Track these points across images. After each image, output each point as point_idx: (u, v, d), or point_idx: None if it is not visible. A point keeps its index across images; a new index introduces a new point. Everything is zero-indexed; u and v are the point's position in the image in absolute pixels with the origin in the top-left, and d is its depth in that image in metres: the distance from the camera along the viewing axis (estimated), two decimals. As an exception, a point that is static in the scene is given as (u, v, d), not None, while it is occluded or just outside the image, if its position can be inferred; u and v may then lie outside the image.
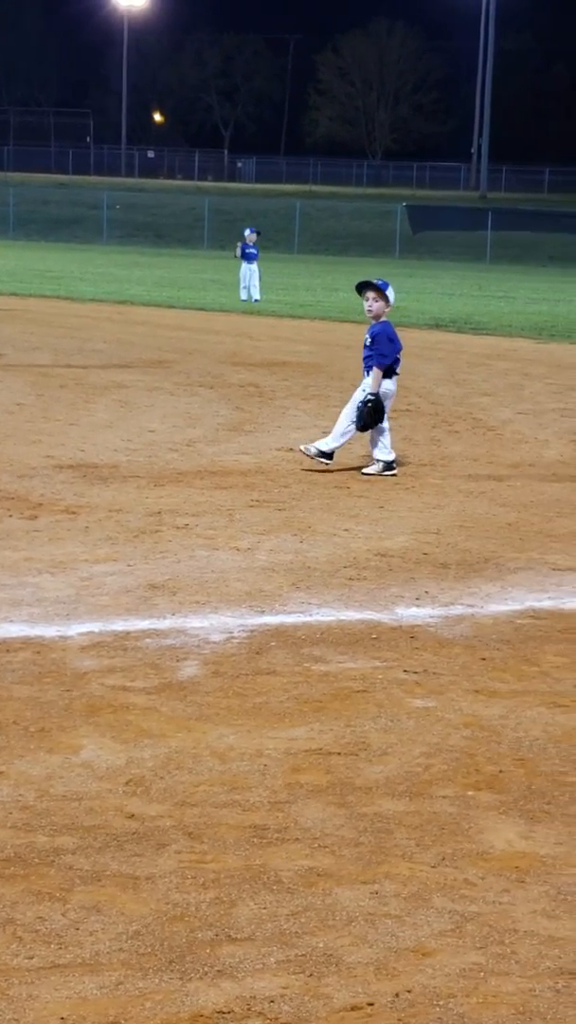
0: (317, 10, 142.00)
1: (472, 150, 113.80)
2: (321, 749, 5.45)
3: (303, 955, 3.89)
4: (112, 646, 6.68)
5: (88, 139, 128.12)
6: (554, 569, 8.52)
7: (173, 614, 7.26)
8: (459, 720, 5.85)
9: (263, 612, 7.36)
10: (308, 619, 7.27)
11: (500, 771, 5.29)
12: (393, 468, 11.58)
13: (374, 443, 11.71)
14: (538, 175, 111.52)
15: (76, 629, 6.92)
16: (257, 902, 4.20)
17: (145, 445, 12.66)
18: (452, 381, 18.73)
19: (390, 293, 11.89)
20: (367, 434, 11.72)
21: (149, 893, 4.23)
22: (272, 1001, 3.65)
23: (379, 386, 11.66)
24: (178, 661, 6.50)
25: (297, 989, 3.72)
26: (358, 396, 11.71)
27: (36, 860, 4.42)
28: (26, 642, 6.69)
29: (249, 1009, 3.62)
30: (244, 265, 34.65)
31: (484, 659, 6.71)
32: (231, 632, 6.98)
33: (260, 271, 34.61)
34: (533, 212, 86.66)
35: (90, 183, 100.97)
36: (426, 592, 7.88)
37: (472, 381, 18.82)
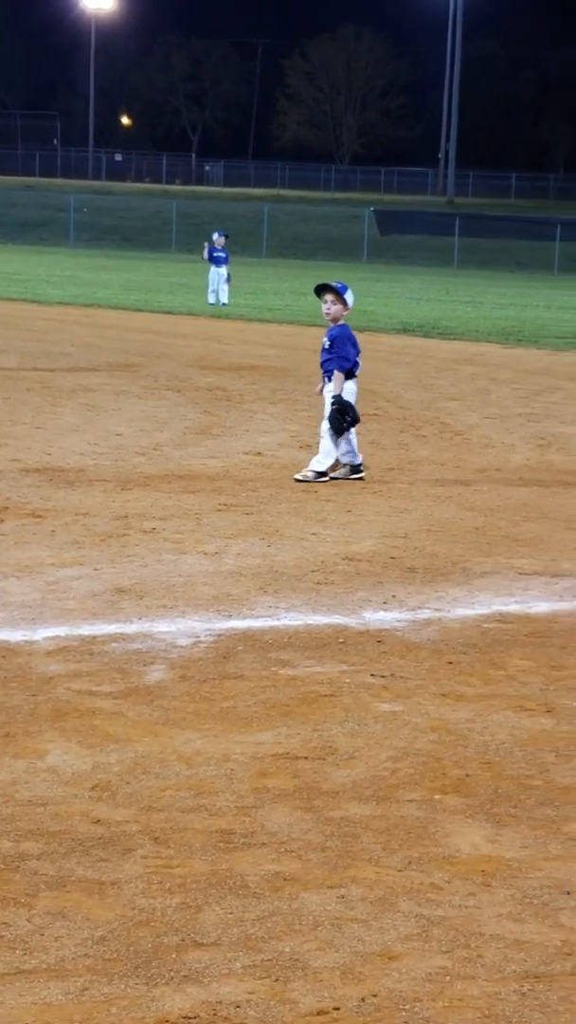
0: (285, 15, 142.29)
1: (439, 155, 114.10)
2: (288, 753, 5.44)
3: (269, 960, 3.89)
4: (78, 650, 6.66)
5: (55, 142, 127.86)
6: (520, 573, 8.54)
7: (140, 618, 7.24)
8: (426, 724, 5.85)
9: (230, 616, 7.36)
10: (275, 623, 7.26)
11: (466, 775, 5.30)
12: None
13: (330, 446, 11.57)
14: (505, 180, 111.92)
15: (42, 633, 6.90)
16: (223, 907, 4.19)
17: (112, 449, 12.63)
18: (419, 386, 18.76)
19: (349, 296, 11.86)
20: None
21: (115, 898, 4.22)
22: (238, 1006, 3.65)
23: (342, 388, 11.63)
24: (145, 665, 6.48)
25: (263, 994, 3.71)
26: (327, 406, 11.64)
27: (1, 866, 4.40)
28: (-8, 646, 6.66)
29: (215, 1014, 3.61)
30: (212, 269, 34.63)
31: (451, 663, 6.72)
32: (198, 636, 6.97)
33: (228, 275, 34.59)
34: (500, 217, 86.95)
35: (57, 186, 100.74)
36: (393, 596, 7.88)
37: (439, 386, 18.86)
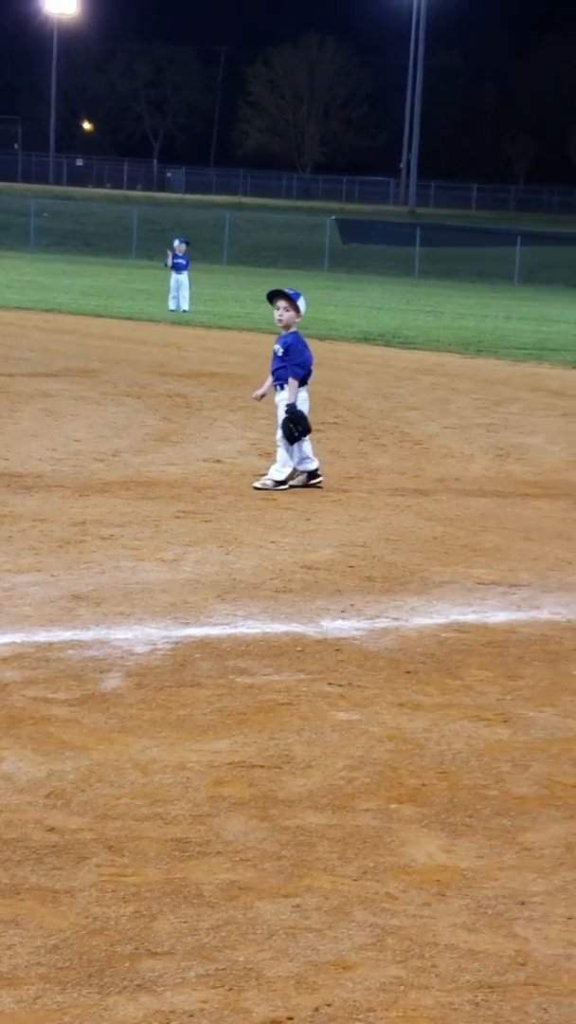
0: (248, 23, 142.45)
1: (401, 165, 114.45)
2: (244, 762, 5.43)
3: (223, 969, 3.88)
4: (34, 657, 6.63)
5: (16, 146, 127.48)
6: (478, 583, 8.56)
7: (97, 625, 7.21)
8: (383, 733, 5.85)
9: (188, 624, 7.34)
10: (233, 631, 7.25)
11: (423, 784, 5.30)
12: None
13: (287, 455, 11.57)
14: (466, 191, 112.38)
15: (-2, 639, 6.86)
16: (178, 916, 4.17)
17: (71, 455, 12.59)
18: (379, 395, 18.80)
19: (301, 303, 11.81)
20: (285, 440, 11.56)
21: (68, 907, 4.20)
22: (191, 1015, 3.63)
23: (296, 396, 11.61)
24: (101, 673, 6.46)
25: (217, 1003, 3.70)
26: (281, 415, 11.62)
27: (-46, 873, 4.37)
28: (-53, 652, 6.62)
29: (168, 1023, 3.60)
30: (173, 275, 34.60)
31: (408, 672, 6.73)
32: (155, 644, 6.95)
33: (189, 281, 34.57)
34: (461, 228, 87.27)
35: (17, 190, 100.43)
36: (351, 605, 7.89)
37: (399, 395, 18.90)
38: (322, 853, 4.65)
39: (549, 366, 24.62)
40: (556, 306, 47.68)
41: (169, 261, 35.04)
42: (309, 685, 6.43)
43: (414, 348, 26.86)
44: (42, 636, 6.97)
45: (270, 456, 12.06)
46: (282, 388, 11.69)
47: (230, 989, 3.77)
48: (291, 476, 11.53)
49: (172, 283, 34.64)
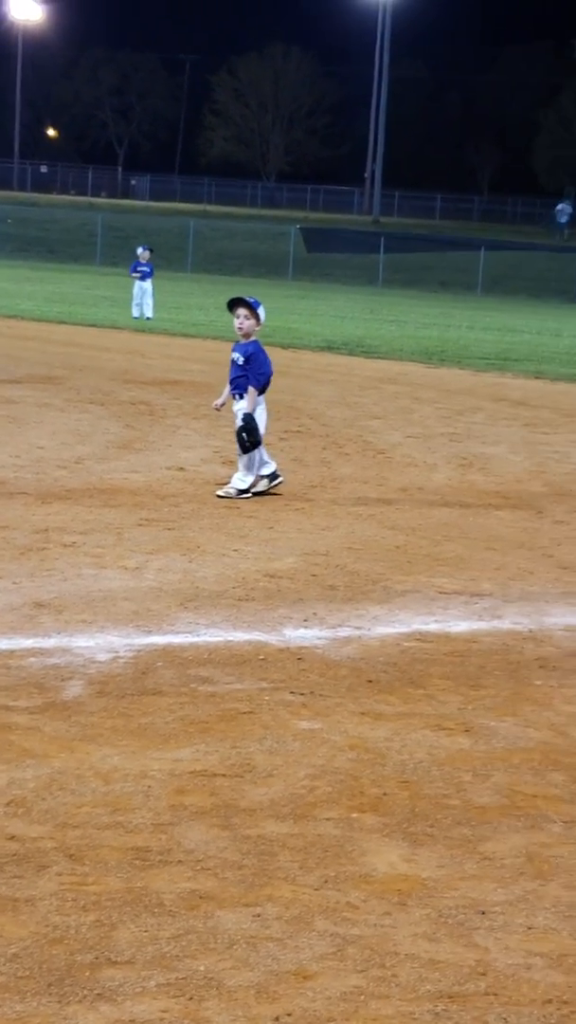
0: (214, 31, 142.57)
1: (365, 175, 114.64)
2: (206, 771, 5.43)
3: (183, 978, 3.87)
4: (-4, 664, 6.60)
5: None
6: (441, 592, 8.58)
7: (59, 633, 7.19)
8: (344, 742, 5.86)
9: (150, 632, 7.33)
10: (195, 639, 7.25)
11: (384, 794, 5.31)
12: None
13: (250, 463, 11.58)
14: (430, 201, 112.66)
15: (-41, 647, 6.83)
16: (138, 925, 4.17)
17: (33, 462, 12.55)
18: (343, 404, 18.82)
19: (261, 312, 11.79)
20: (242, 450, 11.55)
21: (28, 915, 4.18)
22: (152, 1025, 3.62)
23: (255, 406, 11.61)
24: (63, 681, 6.44)
25: (177, 1013, 3.69)
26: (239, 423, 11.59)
27: None
28: None
29: (128, 1034, 3.59)
30: (137, 283, 34.56)
31: (370, 681, 6.74)
32: (117, 652, 6.94)
33: (153, 289, 34.54)
34: (425, 238, 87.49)
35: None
36: (314, 614, 7.89)
37: (363, 404, 18.92)
38: (283, 862, 4.64)
39: (512, 376, 24.71)
40: (519, 316, 47.86)
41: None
42: (271, 694, 6.43)
43: (378, 357, 26.90)
44: (3, 644, 6.94)
45: (233, 464, 12.05)
46: (241, 397, 11.68)
47: (190, 998, 3.77)
48: (254, 484, 11.53)
49: (136, 290, 34.59)
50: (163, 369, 22.17)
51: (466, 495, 12.27)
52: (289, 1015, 3.71)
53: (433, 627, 7.79)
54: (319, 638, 7.42)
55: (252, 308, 11.67)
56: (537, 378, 24.68)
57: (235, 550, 9.45)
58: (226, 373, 12.02)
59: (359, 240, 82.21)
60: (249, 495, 11.39)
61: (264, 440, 11.66)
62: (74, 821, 4.87)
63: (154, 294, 34.63)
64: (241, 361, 11.67)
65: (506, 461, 14.49)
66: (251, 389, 11.60)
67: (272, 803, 5.14)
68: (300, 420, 16.47)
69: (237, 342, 11.87)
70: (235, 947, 4.06)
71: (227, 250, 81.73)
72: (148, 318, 33.74)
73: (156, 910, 4.26)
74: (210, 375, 20.95)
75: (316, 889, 4.46)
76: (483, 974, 3.99)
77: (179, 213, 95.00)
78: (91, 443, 13.92)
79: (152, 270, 35.06)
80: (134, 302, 34.54)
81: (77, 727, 5.83)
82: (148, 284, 34.36)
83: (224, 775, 5.39)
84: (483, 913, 4.37)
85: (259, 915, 4.27)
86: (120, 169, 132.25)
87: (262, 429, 11.57)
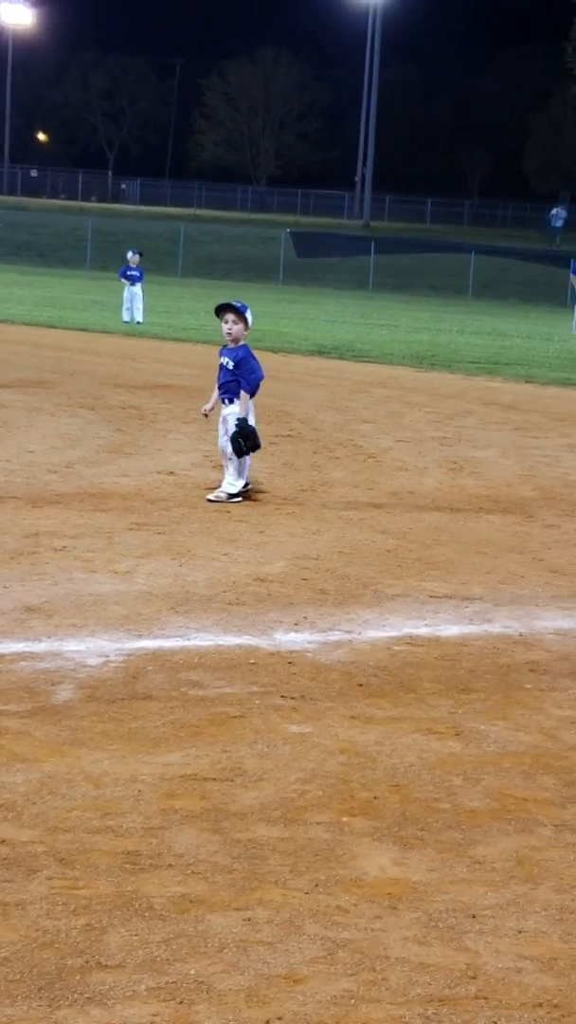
0: (204, 35, 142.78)
1: (356, 179, 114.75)
2: (196, 775, 5.43)
3: (174, 982, 3.87)
4: (-14, 669, 6.59)
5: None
6: (431, 596, 8.58)
7: (49, 637, 7.19)
8: (335, 746, 5.86)
9: (140, 636, 7.33)
10: (186, 643, 7.24)
11: (374, 797, 5.31)
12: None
13: (228, 469, 11.55)
14: (420, 205, 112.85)
15: (-51, 651, 6.82)
16: (128, 928, 4.16)
17: (24, 466, 12.54)
18: (333, 408, 18.83)
19: (249, 316, 11.80)
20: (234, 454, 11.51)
21: (19, 919, 4.18)
22: (142, 1029, 3.62)
23: (248, 411, 11.61)
24: (53, 685, 6.44)
25: (167, 1016, 3.69)
26: (231, 428, 11.56)
27: None
28: None
29: (119, 1038, 3.58)
30: (127, 287, 34.58)
31: (361, 685, 6.74)
32: (108, 656, 6.94)
33: (143, 293, 34.56)
34: (415, 242, 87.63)
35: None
36: (304, 618, 7.89)
37: (353, 408, 18.93)
38: (274, 866, 4.65)
39: (502, 380, 24.74)
40: (509, 320, 47.93)
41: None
42: (262, 698, 6.43)
43: (368, 361, 26.92)
44: (-6, 648, 6.93)
45: (224, 468, 12.04)
46: (231, 402, 11.68)
47: (181, 1002, 3.77)
48: (245, 488, 11.53)
49: (126, 295, 34.62)
50: (153, 373, 22.17)
51: (456, 499, 12.28)
52: (279, 1019, 3.71)
53: (423, 631, 7.80)
54: (309, 642, 7.43)
55: (240, 313, 11.68)
56: (527, 382, 24.71)
57: (225, 554, 9.45)
58: (216, 378, 12.02)
59: (349, 244, 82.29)
60: (240, 499, 11.39)
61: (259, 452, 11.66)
62: (64, 825, 4.87)
63: (144, 298, 34.66)
64: (231, 366, 11.67)
65: (496, 465, 14.50)
66: (243, 394, 11.60)
67: (262, 807, 5.14)
68: (290, 424, 16.48)
69: (225, 346, 11.88)
70: (225, 951, 4.06)
71: (217, 254, 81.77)
72: (138, 322, 33.77)
73: (146, 914, 4.26)
74: (201, 379, 20.95)
75: (306, 893, 4.47)
76: (473, 977, 3.99)
77: (169, 217, 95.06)
78: (81, 447, 13.92)
79: (142, 274, 35.09)
80: (124, 306, 34.56)
81: (67, 731, 5.83)
82: (138, 288, 34.39)
83: (214, 779, 5.39)
84: (473, 917, 4.37)
85: (249, 919, 4.27)
86: (110, 173, 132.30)
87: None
